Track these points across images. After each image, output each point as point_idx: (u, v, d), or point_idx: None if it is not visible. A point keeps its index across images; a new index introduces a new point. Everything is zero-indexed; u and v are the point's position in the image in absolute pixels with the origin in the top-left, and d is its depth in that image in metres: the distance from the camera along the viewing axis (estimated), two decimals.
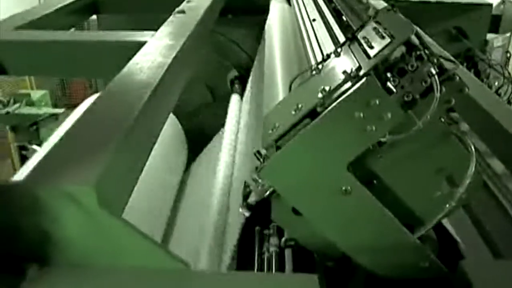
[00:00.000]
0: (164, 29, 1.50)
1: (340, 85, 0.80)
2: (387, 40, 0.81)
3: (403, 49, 0.79)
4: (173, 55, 1.22)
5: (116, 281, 0.71)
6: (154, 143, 1.01)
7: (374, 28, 0.88)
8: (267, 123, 0.90)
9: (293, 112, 0.84)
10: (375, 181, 0.86)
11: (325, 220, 0.86)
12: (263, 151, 0.88)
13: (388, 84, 0.78)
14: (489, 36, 3.32)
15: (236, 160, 1.88)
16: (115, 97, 0.99)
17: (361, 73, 0.79)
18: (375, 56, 0.80)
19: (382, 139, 0.80)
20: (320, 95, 0.81)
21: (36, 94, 6.13)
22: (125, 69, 1.12)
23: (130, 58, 1.20)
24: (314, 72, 0.95)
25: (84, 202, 0.67)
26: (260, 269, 0.99)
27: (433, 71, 0.76)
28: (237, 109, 2.38)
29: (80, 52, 1.48)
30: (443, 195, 0.85)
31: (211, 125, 2.77)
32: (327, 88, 0.81)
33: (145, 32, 1.46)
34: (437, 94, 0.75)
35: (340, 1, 1.75)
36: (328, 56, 0.98)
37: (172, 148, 2.36)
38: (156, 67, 1.13)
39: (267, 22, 2.31)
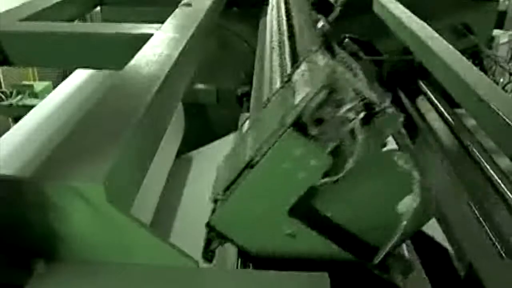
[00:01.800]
0: (170, 21, 1.48)
1: (268, 139, 0.80)
2: (309, 87, 0.81)
3: (324, 95, 0.78)
4: (180, 48, 1.21)
5: (123, 278, 0.70)
6: (162, 137, 1.00)
7: (302, 74, 0.90)
8: (218, 174, 0.93)
9: (238, 163, 0.85)
10: (326, 215, 0.86)
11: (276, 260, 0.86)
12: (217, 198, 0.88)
13: (311, 130, 0.77)
14: (495, 32, 3.30)
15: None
16: (123, 91, 0.97)
17: (287, 122, 0.78)
18: (296, 106, 0.79)
19: (316, 184, 0.79)
20: (254, 147, 0.82)
21: (39, 86, 6.10)
22: (132, 62, 1.11)
23: (136, 51, 1.19)
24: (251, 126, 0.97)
25: (93, 199, 0.66)
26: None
27: (354, 116, 0.75)
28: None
29: (85, 44, 1.46)
30: (394, 219, 0.84)
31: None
32: (259, 141, 0.81)
33: (151, 25, 1.44)
34: (360, 137, 0.75)
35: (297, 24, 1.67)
36: (267, 100, 1.00)
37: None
38: (163, 60, 1.11)
39: (261, 22, 2.27)
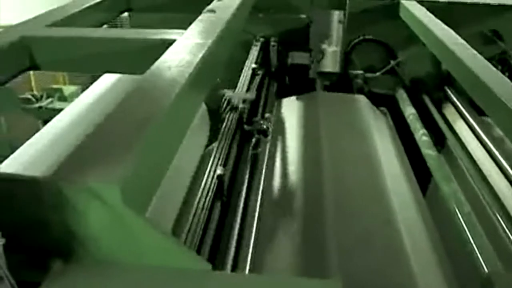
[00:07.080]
0: (194, 28, 1.50)
1: None
2: None
3: None
4: (201, 54, 1.22)
5: (137, 279, 0.71)
6: (182, 140, 1.01)
7: None
8: None
9: None
10: None
11: None
12: None
13: None
14: None
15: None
16: (144, 95, 0.99)
17: None
18: None
19: None
20: None
21: (68, 90, 6.24)
22: (153, 67, 1.12)
23: (159, 56, 1.20)
24: None
25: (108, 199, 0.67)
26: None
27: None
28: None
29: (110, 49, 1.49)
30: None
31: None
32: None
33: (175, 31, 1.46)
34: None
35: None
36: None
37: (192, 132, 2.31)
38: (184, 66, 1.13)
39: None
